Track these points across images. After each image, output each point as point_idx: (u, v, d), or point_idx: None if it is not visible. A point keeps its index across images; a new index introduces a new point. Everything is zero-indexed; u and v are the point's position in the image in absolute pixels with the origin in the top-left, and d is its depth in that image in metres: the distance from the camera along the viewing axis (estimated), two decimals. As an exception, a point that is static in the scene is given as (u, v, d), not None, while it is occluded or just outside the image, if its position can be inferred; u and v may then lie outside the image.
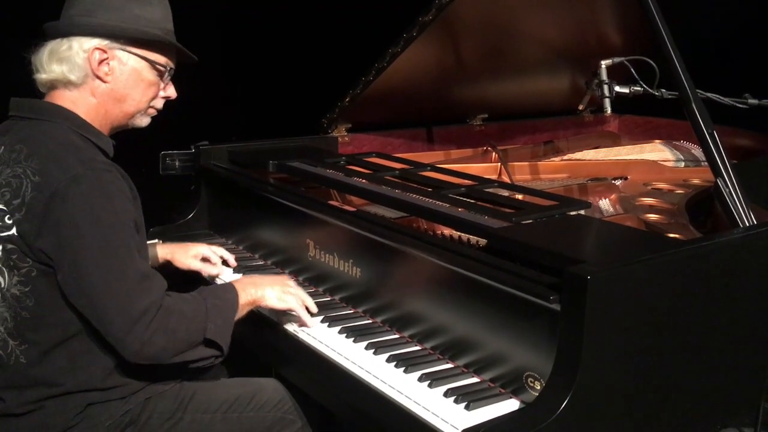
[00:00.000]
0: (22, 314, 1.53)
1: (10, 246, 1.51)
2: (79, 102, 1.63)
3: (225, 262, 2.11)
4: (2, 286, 1.54)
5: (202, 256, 2.07)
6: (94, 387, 1.57)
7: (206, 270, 2.05)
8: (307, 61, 3.67)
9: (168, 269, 2.03)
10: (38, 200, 1.48)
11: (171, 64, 1.71)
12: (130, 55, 1.63)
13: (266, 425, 1.70)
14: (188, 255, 2.06)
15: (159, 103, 1.73)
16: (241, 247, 2.28)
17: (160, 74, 1.68)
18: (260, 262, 2.17)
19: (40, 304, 1.52)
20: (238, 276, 2.03)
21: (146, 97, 1.68)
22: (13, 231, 1.51)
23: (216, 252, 2.10)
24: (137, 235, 1.59)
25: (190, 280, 2.03)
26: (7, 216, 1.51)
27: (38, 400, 1.55)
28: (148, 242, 2.05)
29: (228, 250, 2.16)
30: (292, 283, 1.80)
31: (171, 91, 1.73)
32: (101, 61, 1.61)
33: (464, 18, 2.37)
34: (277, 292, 1.72)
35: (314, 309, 1.77)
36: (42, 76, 1.62)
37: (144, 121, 1.73)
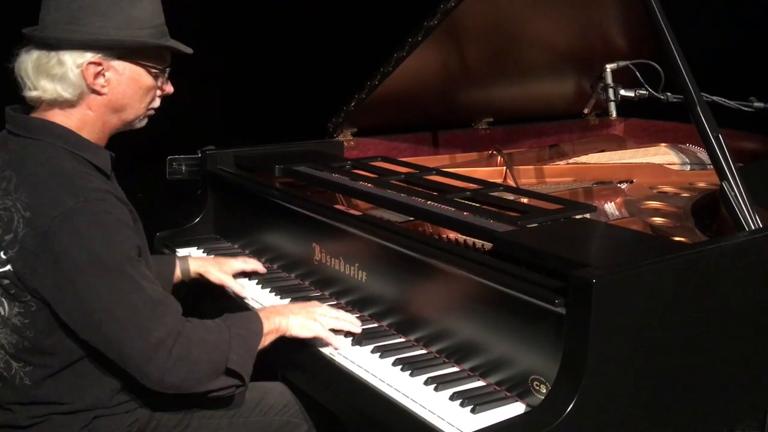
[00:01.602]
0: (23, 343, 1.50)
1: (6, 281, 1.46)
2: (74, 116, 1.54)
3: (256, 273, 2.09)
4: (3, 314, 1.50)
5: (235, 272, 2.04)
6: (101, 405, 1.55)
7: (234, 288, 2.00)
8: (313, 65, 3.68)
9: (199, 282, 2.02)
10: (31, 238, 1.42)
11: (167, 63, 1.63)
12: (126, 63, 1.54)
13: (272, 429, 1.71)
14: (222, 270, 2.02)
15: (157, 103, 1.65)
16: (247, 252, 2.28)
17: (157, 77, 1.61)
18: (266, 266, 2.17)
19: (41, 335, 1.48)
20: (258, 288, 2.03)
21: (144, 103, 1.61)
22: (8, 267, 1.45)
23: (250, 263, 2.08)
24: (141, 259, 1.52)
25: (219, 295, 2.02)
26: (2, 251, 1.45)
27: (46, 414, 1.53)
28: (179, 255, 2.06)
29: (233, 254, 2.16)
30: (322, 308, 1.73)
31: (168, 88, 1.65)
32: (96, 74, 1.52)
33: (469, 22, 2.38)
34: (301, 320, 1.66)
35: (355, 330, 1.71)
36: (32, 94, 1.52)
37: (142, 123, 1.66)
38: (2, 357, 1.53)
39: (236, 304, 1.97)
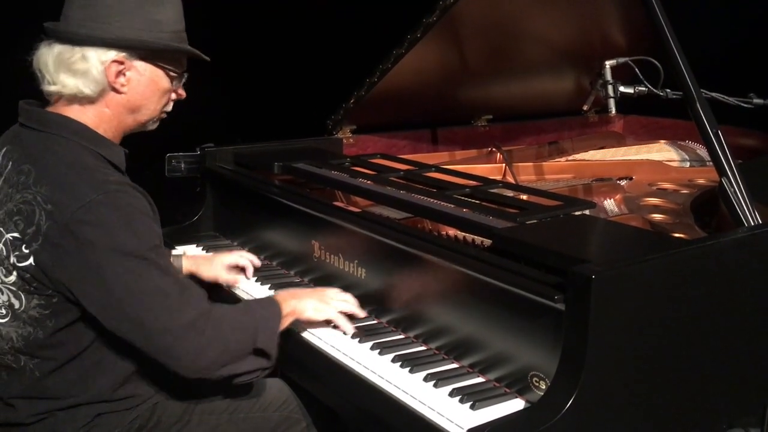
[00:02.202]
0: (37, 334, 1.50)
1: (28, 275, 1.47)
2: (89, 113, 1.56)
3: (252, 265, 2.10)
4: (17, 308, 1.51)
5: (228, 266, 2.05)
6: (104, 399, 1.56)
7: (229, 281, 2.02)
8: (312, 62, 3.67)
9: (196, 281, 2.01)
10: (54, 230, 1.43)
11: (184, 67, 1.66)
12: (147, 65, 1.57)
13: (271, 425, 1.71)
14: (214, 266, 2.03)
15: (170, 107, 1.68)
16: (246, 249, 2.28)
17: (174, 80, 1.63)
18: (265, 263, 2.17)
19: (59, 325, 1.50)
20: (257, 285, 2.04)
21: (160, 105, 1.63)
22: (31, 261, 1.46)
23: (245, 257, 2.09)
24: (163, 248, 1.55)
25: (215, 296, 2.00)
26: (24, 245, 1.46)
27: (48, 411, 1.54)
28: (174, 254, 2.06)
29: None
30: (332, 291, 1.78)
31: (182, 93, 1.68)
32: (118, 73, 1.54)
33: (468, 19, 2.38)
34: (314, 303, 1.71)
35: (359, 313, 1.76)
36: (51, 88, 1.53)
37: (154, 126, 1.69)
38: (9, 350, 1.54)
39: (235, 300, 1.98)
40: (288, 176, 2.27)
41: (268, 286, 2.02)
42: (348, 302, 1.77)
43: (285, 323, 1.64)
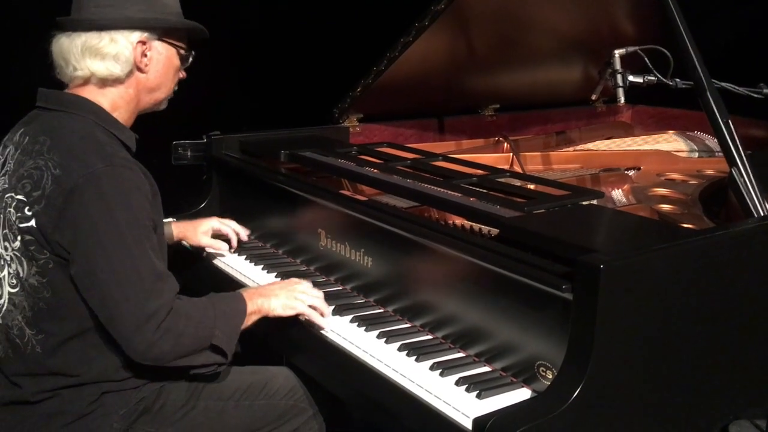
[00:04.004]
0: (39, 305, 1.54)
1: (28, 237, 1.52)
2: (109, 95, 1.64)
3: (237, 236, 2.15)
4: (21, 275, 1.55)
5: (212, 231, 2.11)
6: (109, 378, 1.58)
7: (214, 246, 2.09)
8: (319, 50, 3.66)
9: (180, 247, 2.07)
10: (57, 194, 1.48)
11: (189, 47, 1.76)
12: (164, 44, 1.68)
13: (278, 413, 1.71)
14: (198, 231, 2.09)
15: (176, 86, 1.78)
16: (253, 236, 2.28)
17: (184, 59, 1.75)
18: (271, 251, 2.17)
19: (57, 296, 1.53)
20: (240, 259, 2.07)
21: (173, 83, 1.75)
22: (32, 222, 1.51)
23: (227, 224, 2.13)
24: (154, 234, 1.57)
25: (200, 259, 2.06)
26: (27, 207, 1.52)
27: (54, 389, 1.56)
28: (164, 221, 2.08)
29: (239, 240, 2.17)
30: (303, 286, 1.76)
31: (183, 73, 1.79)
32: (142, 53, 1.64)
33: (476, 7, 2.36)
34: (283, 299, 1.70)
35: (326, 311, 1.74)
36: (76, 73, 1.61)
37: (164, 106, 1.78)
38: (18, 323, 1.56)
39: (232, 284, 1.98)
40: (294, 164, 2.26)
41: (275, 274, 2.02)
42: (319, 298, 1.74)
43: (250, 321, 1.65)
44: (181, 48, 1.73)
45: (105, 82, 1.63)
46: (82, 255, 1.48)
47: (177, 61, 1.73)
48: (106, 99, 1.64)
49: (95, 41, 1.60)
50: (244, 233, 2.16)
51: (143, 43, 1.64)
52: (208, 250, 2.14)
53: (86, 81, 1.63)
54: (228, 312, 1.61)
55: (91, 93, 1.63)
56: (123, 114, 1.67)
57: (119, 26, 1.61)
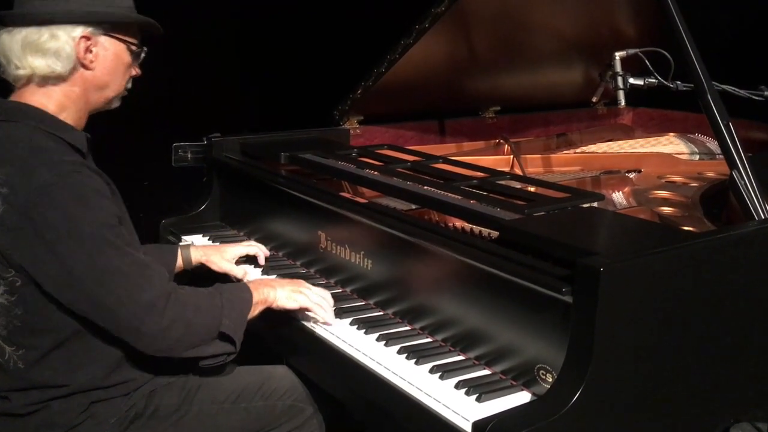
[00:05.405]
0: (13, 322, 1.51)
1: None
2: (55, 96, 1.57)
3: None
4: None
5: (238, 258, 2.04)
6: (97, 386, 1.56)
7: (238, 275, 2.00)
8: (319, 53, 3.66)
9: (201, 271, 2.02)
10: (10, 214, 1.43)
11: (141, 43, 1.68)
12: (112, 39, 1.60)
13: (276, 413, 1.71)
14: (224, 258, 2.02)
15: (130, 84, 1.70)
16: (253, 239, 2.28)
17: (135, 55, 1.67)
18: (271, 253, 2.17)
19: (29, 312, 1.50)
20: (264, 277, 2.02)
21: (124, 81, 1.67)
22: None
23: (252, 246, 2.08)
24: (123, 228, 1.54)
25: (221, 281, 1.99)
26: None
27: (42, 401, 1.54)
28: (181, 244, 2.07)
29: (238, 242, 2.16)
30: (309, 285, 1.76)
31: (137, 70, 1.71)
32: (86, 49, 1.57)
33: (476, 9, 2.36)
34: (287, 291, 1.70)
35: (331, 313, 1.73)
36: (19, 72, 1.54)
37: (117, 104, 1.70)
38: None
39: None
40: (294, 167, 2.26)
41: (274, 276, 2.02)
42: (324, 299, 1.73)
43: (256, 310, 1.65)
44: (132, 44, 1.64)
45: (47, 80, 1.55)
46: (57, 270, 1.44)
47: (127, 58, 1.64)
48: (51, 100, 1.56)
49: (35, 37, 1.52)
50: (267, 252, 2.10)
51: (87, 38, 1.55)
52: (230, 275, 2.03)
53: (29, 80, 1.55)
54: (234, 300, 1.60)
55: (34, 94, 1.56)
56: (72, 114, 1.59)
57: (60, 20, 1.52)
